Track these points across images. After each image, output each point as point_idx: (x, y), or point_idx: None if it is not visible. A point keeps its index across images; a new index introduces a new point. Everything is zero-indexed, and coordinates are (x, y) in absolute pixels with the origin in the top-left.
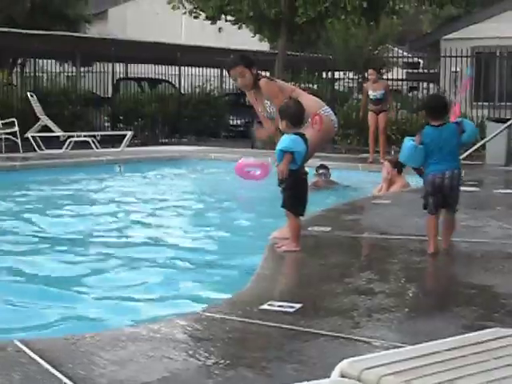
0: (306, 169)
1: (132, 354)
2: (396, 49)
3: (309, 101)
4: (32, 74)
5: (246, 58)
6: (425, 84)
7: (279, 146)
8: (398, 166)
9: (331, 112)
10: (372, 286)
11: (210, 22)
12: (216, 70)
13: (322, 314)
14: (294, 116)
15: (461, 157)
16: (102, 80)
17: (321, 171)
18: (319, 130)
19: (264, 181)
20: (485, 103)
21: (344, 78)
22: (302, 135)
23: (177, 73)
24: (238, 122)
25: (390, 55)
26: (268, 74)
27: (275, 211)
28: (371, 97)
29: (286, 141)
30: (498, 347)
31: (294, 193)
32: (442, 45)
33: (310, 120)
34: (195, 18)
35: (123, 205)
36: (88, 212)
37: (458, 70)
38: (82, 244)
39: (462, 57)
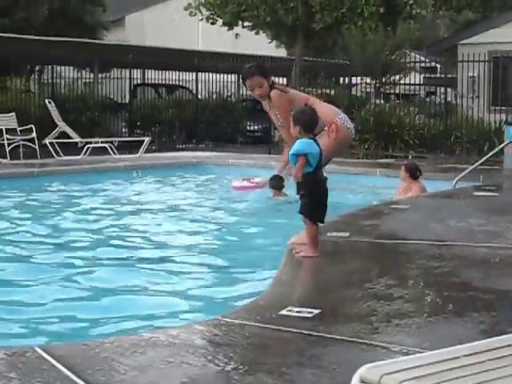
0: (325, 174)
1: (151, 360)
2: (413, 54)
3: (324, 109)
4: (50, 81)
5: (263, 68)
6: (442, 89)
7: (292, 151)
8: (413, 171)
9: (348, 120)
10: (391, 292)
11: (226, 28)
12: (233, 75)
13: (341, 319)
14: (307, 122)
15: (478, 162)
16: (120, 86)
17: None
18: (335, 139)
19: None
20: (502, 107)
21: (361, 84)
22: (315, 140)
23: (194, 78)
24: (256, 127)
25: (408, 60)
26: (285, 80)
27: (294, 216)
28: None
29: (297, 145)
30: None
31: (313, 199)
32: (459, 49)
33: (326, 128)
34: (212, 24)
35: (141, 210)
36: (106, 217)
37: (476, 74)
38: (100, 249)
39: (479, 61)
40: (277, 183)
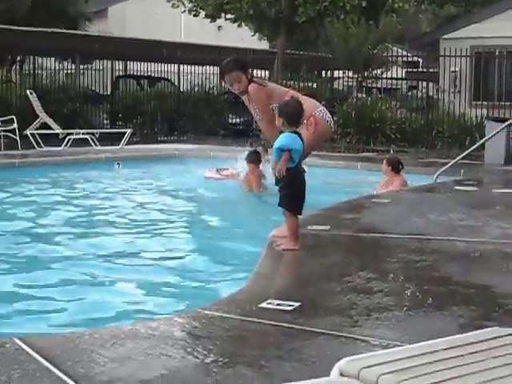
0: (305, 167)
1: (131, 352)
2: (395, 48)
3: (304, 102)
4: (31, 72)
5: (242, 63)
6: (424, 83)
7: (277, 144)
8: (395, 165)
9: (327, 113)
10: (371, 285)
11: (209, 20)
12: (215, 68)
13: (320, 312)
14: (292, 115)
15: (459, 156)
16: (102, 77)
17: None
18: (314, 132)
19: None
20: (484, 102)
21: (343, 77)
22: (299, 134)
23: (176, 71)
24: (237, 120)
25: (390, 54)
26: (267, 72)
27: (275, 209)
28: None
29: (282, 139)
30: (496, 346)
31: (292, 191)
32: (441, 44)
33: (305, 122)
34: (195, 16)
35: (121, 202)
36: (87, 209)
37: (457, 69)
38: (79, 240)
39: (461, 56)
40: (256, 156)
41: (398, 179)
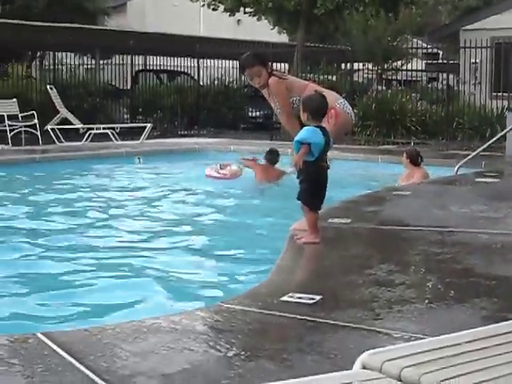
0: (329, 163)
1: (153, 346)
2: (415, 40)
3: (325, 94)
4: (51, 67)
5: (262, 57)
6: (444, 75)
7: (297, 138)
8: (414, 158)
9: (347, 105)
10: (392, 278)
11: (228, 14)
12: (235, 61)
13: (342, 305)
14: (316, 109)
15: (480, 148)
16: (121, 72)
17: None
18: (335, 124)
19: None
20: (504, 94)
21: (363, 70)
22: (323, 128)
23: (195, 65)
24: (257, 113)
25: (409, 46)
26: (287, 66)
27: (297, 202)
28: None
29: (302, 132)
30: None
31: (311, 186)
32: (461, 35)
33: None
34: (214, 10)
35: (143, 196)
36: (107, 203)
37: (478, 60)
38: (101, 234)
39: (481, 47)
40: (271, 157)
41: (419, 172)
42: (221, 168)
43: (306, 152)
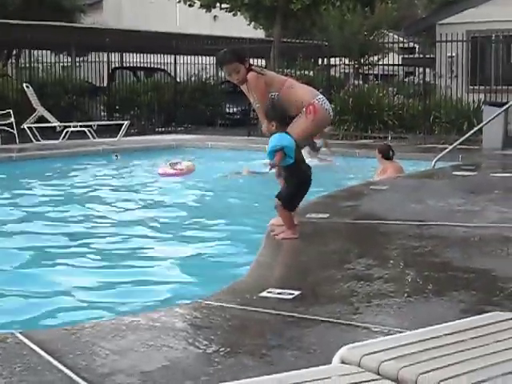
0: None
1: (132, 343)
2: (391, 34)
3: (302, 90)
4: (27, 65)
5: (239, 53)
6: (421, 69)
7: (268, 149)
8: (385, 153)
9: (326, 101)
10: (371, 272)
11: (204, 10)
12: (212, 58)
13: (321, 300)
14: (282, 117)
15: (457, 141)
16: (98, 69)
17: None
18: (313, 120)
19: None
20: (481, 87)
21: (340, 64)
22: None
23: (172, 61)
24: (235, 109)
25: (386, 41)
26: (264, 61)
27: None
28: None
29: (273, 141)
30: (497, 331)
31: (295, 189)
32: (437, 29)
33: (304, 110)
34: (190, 6)
35: (120, 194)
36: (86, 202)
37: (454, 54)
38: (78, 234)
39: (457, 41)
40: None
41: (392, 166)
42: (171, 165)
43: (282, 157)
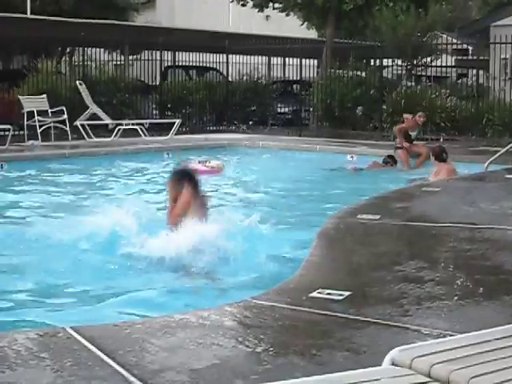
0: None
1: (182, 341)
2: (445, 35)
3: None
4: (80, 63)
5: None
6: (474, 71)
7: None
8: (438, 155)
9: None
10: (422, 274)
11: (257, 9)
12: (264, 57)
13: (371, 301)
14: None
15: (510, 144)
16: (150, 68)
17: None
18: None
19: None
20: None
21: (392, 66)
22: None
23: (224, 60)
24: (286, 109)
25: (439, 42)
26: (316, 61)
27: (325, 199)
28: (412, 136)
29: None
30: None
31: None
32: (491, 31)
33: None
34: (243, 5)
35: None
36: (137, 198)
37: (508, 56)
38: (129, 230)
39: None
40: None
41: (445, 168)
42: (200, 162)
43: None
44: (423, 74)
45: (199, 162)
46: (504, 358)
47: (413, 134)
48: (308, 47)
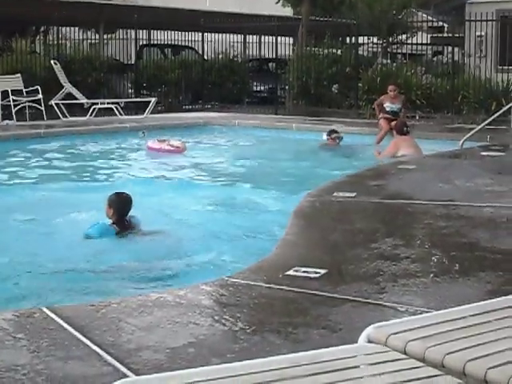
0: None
1: (158, 320)
2: (420, 13)
3: None
4: (55, 42)
5: None
6: (449, 48)
7: None
8: (397, 128)
9: None
10: (397, 252)
11: None
12: (239, 35)
13: (347, 279)
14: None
15: (486, 121)
16: (125, 47)
17: (334, 135)
18: None
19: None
20: (510, 67)
21: (368, 43)
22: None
23: (200, 39)
24: (262, 87)
25: (415, 19)
26: (291, 39)
27: (301, 177)
28: (387, 109)
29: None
30: None
31: None
32: (466, 8)
33: None
34: None
35: (147, 171)
36: (112, 178)
37: (483, 33)
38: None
39: (487, 21)
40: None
41: (405, 140)
42: (160, 142)
43: None
44: (399, 51)
45: (159, 141)
46: (478, 334)
47: (390, 106)
48: (283, 25)
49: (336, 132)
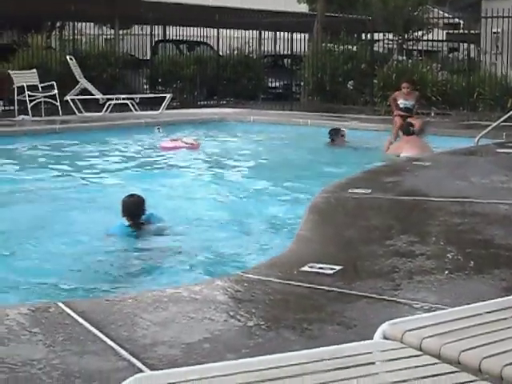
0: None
1: (174, 315)
2: (436, 9)
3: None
4: (71, 37)
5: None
6: (465, 45)
7: None
8: (403, 129)
9: None
10: (413, 248)
11: None
12: (254, 31)
13: (362, 275)
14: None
15: (501, 119)
16: (141, 42)
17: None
18: None
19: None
20: None
21: (383, 40)
22: None
23: (215, 35)
24: (277, 84)
25: (430, 16)
26: (307, 35)
27: (316, 173)
28: (401, 105)
29: None
30: None
31: None
32: (483, 5)
33: None
34: None
35: (163, 167)
36: (127, 173)
37: (499, 30)
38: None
39: (503, 17)
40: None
41: (410, 140)
42: (173, 141)
43: None
44: (414, 48)
45: (171, 141)
46: (495, 331)
47: (404, 103)
48: (299, 21)
49: (340, 130)
